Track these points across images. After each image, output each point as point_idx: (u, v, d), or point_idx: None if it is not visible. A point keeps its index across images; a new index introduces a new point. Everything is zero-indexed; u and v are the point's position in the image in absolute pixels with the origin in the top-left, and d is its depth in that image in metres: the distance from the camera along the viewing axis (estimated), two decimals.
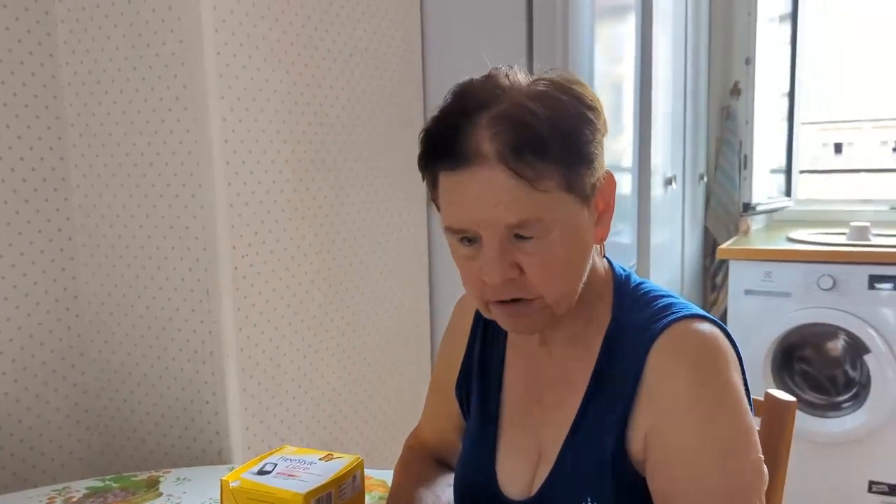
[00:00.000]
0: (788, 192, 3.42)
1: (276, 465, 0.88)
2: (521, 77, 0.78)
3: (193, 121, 1.34)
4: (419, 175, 0.81)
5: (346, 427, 1.70)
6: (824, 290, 2.52)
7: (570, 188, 0.76)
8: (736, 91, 3.27)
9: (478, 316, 0.98)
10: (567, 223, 0.77)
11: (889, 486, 2.55)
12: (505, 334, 0.95)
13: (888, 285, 2.45)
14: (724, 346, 0.79)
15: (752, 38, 3.15)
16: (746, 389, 0.80)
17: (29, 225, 1.42)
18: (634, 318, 0.83)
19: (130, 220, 1.44)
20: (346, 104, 1.65)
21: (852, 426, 2.55)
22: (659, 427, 0.77)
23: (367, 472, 1.07)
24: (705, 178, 3.27)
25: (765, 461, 0.77)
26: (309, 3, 1.53)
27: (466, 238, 0.78)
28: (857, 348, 2.54)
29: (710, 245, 3.30)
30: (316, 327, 1.59)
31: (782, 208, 3.38)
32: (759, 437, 0.79)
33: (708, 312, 0.82)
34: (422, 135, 0.79)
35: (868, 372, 2.51)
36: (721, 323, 0.81)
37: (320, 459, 0.90)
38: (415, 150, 0.80)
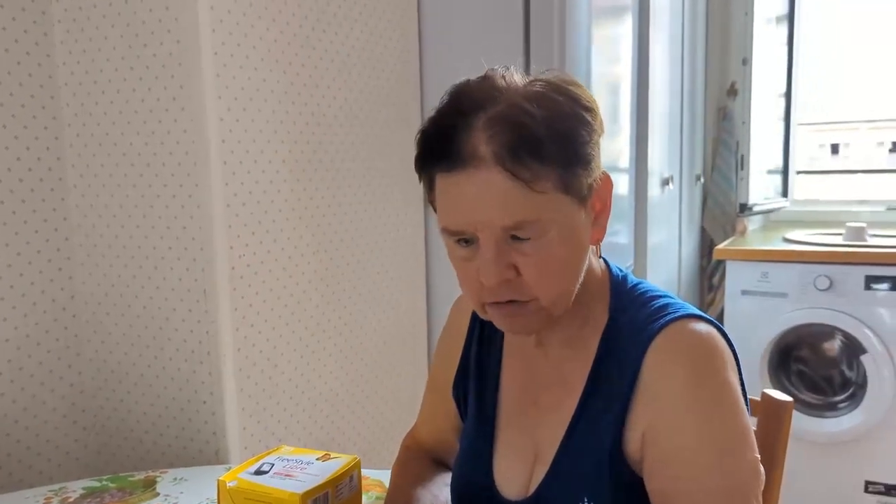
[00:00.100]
0: (785, 193, 3.42)
1: (273, 465, 0.88)
2: (517, 78, 0.78)
3: (190, 121, 1.34)
4: (416, 175, 0.81)
5: (343, 427, 1.70)
6: (821, 290, 2.52)
7: (567, 189, 0.76)
8: (733, 91, 3.27)
9: (474, 316, 0.98)
10: (564, 224, 0.77)
11: (885, 486, 2.56)
12: (501, 335, 0.95)
13: (884, 286, 2.45)
14: (721, 346, 0.79)
15: (749, 38, 3.16)
16: (743, 390, 0.80)
17: (26, 225, 1.42)
18: (631, 319, 0.83)
19: (127, 220, 1.44)
20: (344, 104, 1.65)
21: (849, 426, 2.56)
22: (656, 427, 0.77)
23: (364, 472, 1.08)
24: (702, 179, 3.27)
25: (761, 461, 0.78)
26: (306, 4, 1.53)
27: (463, 239, 0.78)
28: (853, 349, 2.55)
29: (706, 245, 3.30)
30: (313, 327, 1.59)
31: (779, 209, 3.39)
32: (756, 438, 0.79)
33: (705, 313, 0.82)
34: (418, 136, 0.79)
35: (864, 372, 2.51)
36: (718, 323, 0.82)
37: (317, 459, 0.90)
38: (412, 150, 0.80)
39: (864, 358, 2.50)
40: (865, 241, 2.71)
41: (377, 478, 1.23)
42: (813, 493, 2.61)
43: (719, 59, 3.31)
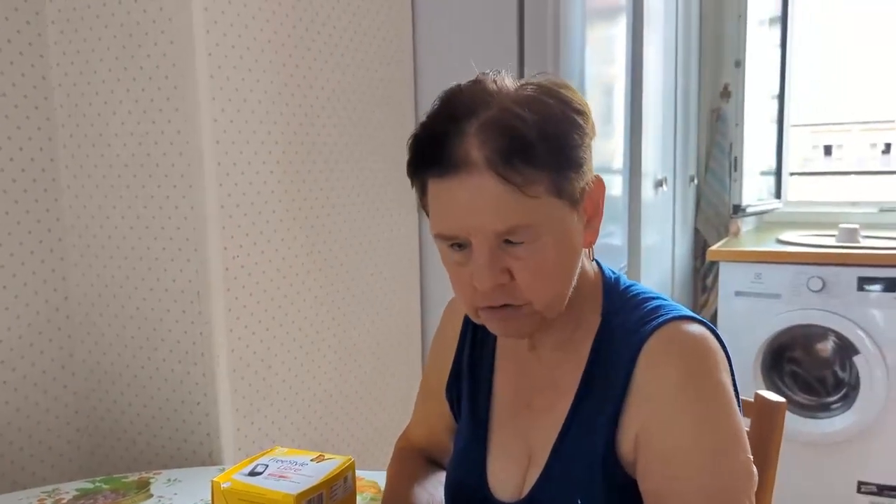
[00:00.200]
0: (778, 194, 3.43)
1: (267, 466, 0.88)
2: (508, 82, 0.78)
3: (184, 122, 1.33)
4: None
5: (337, 428, 1.70)
6: (814, 291, 2.53)
7: (560, 193, 0.76)
8: (726, 93, 3.29)
9: (467, 319, 0.98)
10: (557, 228, 0.77)
11: (878, 486, 2.57)
12: (494, 338, 0.96)
13: (877, 287, 2.47)
14: (714, 347, 0.79)
15: (742, 40, 3.17)
16: (736, 391, 0.80)
17: (19, 226, 1.42)
18: (624, 321, 0.83)
19: (121, 221, 1.43)
20: (338, 106, 1.65)
21: (841, 427, 2.57)
22: (649, 428, 0.78)
23: (358, 473, 1.08)
24: (696, 180, 3.28)
25: (754, 462, 0.78)
26: (300, 5, 1.53)
27: (456, 244, 0.78)
28: (846, 349, 2.56)
29: (700, 247, 3.31)
30: (307, 329, 1.59)
31: (772, 210, 3.40)
32: (749, 438, 0.79)
33: (698, 314, 0.82)
34: (410, 141, 0.79)
35: (857, 373, 2.52)
36: (711, 324, 0.82)
37: (311, 460, 0.90)
38: (406, 151, 0.80)
39: (856, 359, 2.51)
40: (858, 242, 2.72)
41: (371, 479, 1.23)
42: (806, 494, 2.62)
43: (713, 61, 3.32)
